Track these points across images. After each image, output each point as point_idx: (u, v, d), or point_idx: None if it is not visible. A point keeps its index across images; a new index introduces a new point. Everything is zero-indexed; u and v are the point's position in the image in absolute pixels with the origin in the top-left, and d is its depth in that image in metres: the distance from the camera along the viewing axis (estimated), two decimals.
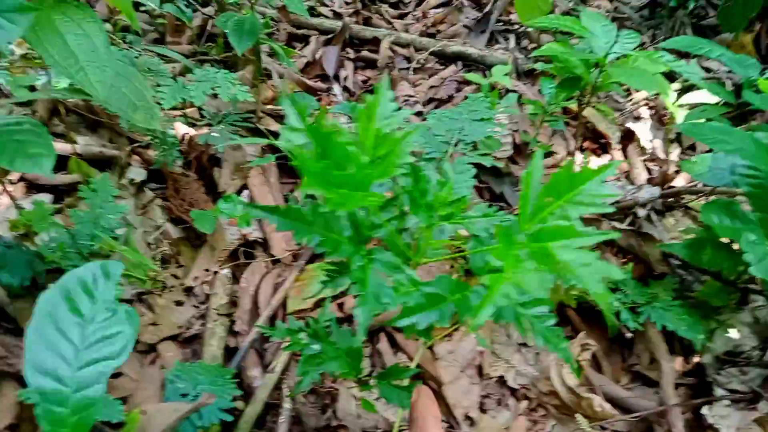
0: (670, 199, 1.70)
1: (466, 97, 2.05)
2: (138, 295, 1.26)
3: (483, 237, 0.81)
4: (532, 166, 0.66)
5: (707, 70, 2.26)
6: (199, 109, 1.77)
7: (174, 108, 1.47)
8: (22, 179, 1.52)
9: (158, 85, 1.35)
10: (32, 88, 1.72)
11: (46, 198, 1.44)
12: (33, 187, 1.52)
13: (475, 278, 0.76)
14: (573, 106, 1.90)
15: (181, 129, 1.66)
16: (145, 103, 1.21)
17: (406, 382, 0.94)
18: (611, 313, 1.18)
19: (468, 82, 2.14)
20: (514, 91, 1.92)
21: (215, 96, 1.42)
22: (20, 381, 1.09)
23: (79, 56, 1.04)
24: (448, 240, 0.81)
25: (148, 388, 1.11)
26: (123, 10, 1.15)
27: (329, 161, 0.63)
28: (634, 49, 1.31)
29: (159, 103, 1.31)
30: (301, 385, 0.91)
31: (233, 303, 1.27)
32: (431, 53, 2.26)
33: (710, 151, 2.05)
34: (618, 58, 1.32)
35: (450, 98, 2.07)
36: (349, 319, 1.28)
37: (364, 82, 2.14)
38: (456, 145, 1.25)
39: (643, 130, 2.02)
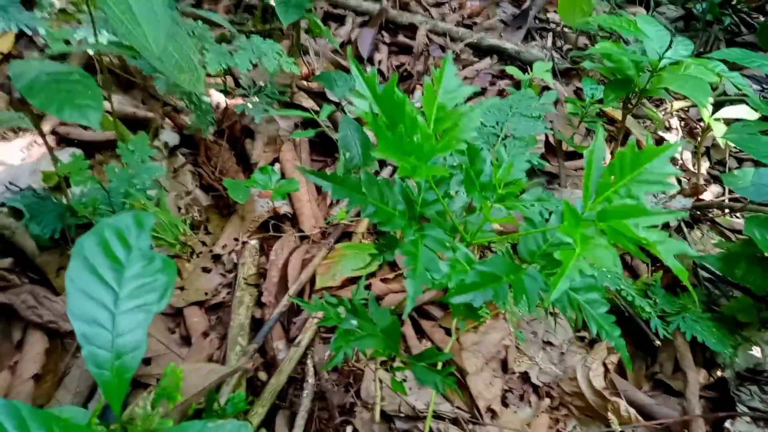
0: (698, 212, 1.69)
1: (501, 91, 2.03)
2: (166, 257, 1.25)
3: (537, 221, 0.79)
4: (594, 144, 0.65)
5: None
6: (235, 78, 1.75)
7: (209, 75, 1.46)
8: (53, 132, 1.51)
9: (204, 49, 1.33)
10: (67, 43, 1.71)
11: (75, 151, 1.43)
12: (63, 140, 1.51)
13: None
14: (609, 109, 1.88)
15: (215, 96, 1.64)
16: (191, 65, 1.19)
17: (439, 366, 0.93)
18: (691, 289, 1.17)
19: (502, 76, 2.12)
20: (548, 88, 1.90)
21: (254, 66, 1.40)
22: (48, 331, 1.08)
23: (136, 12, 1.03)
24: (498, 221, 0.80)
25: (174, 351, 1.10)
26: None
27: (399, 130, 0.62)
28: (688, 56, 1.29)
29: (204, 67, 1.29)
30: (334, 360, 0.90)
31: (261, 274, 1.26)
32: (467, 44, 2.24)
33: (740, 166, 2.03)
34: (671, 64, 1.30)
35: (484, 91, 2.05)
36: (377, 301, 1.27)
37: (398, 67, 2.12)
38: (505, 138, 1.24)
39: (673, 140, 2.00)
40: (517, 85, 1.98)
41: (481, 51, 2.24)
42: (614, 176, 0.60)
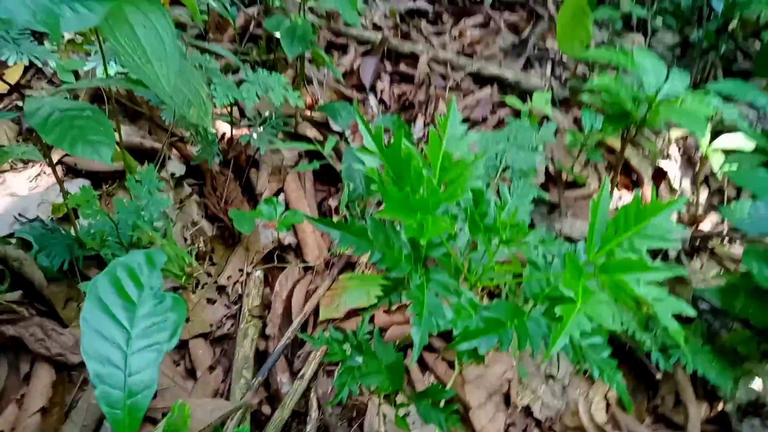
0: (697, 242, 1.71)
1: (501, 121, 2.07)
2: (172, 290, 1.27)
3: (540, 264, 0.81)
4: (600, 197, 0.67)
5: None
6: (240, 108, 1.78)
7: (215, 106, 1.48)
8: (60, 162, 1.53)
9: (211, 82, 1.36)
10: (76, 74, 1.74)
11: (84, 184, 1.45)
12: (71, 171, 1.53)
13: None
14: (608, 139, 1.91)
15: (221, 127, 1.67)
16: (200, 100, 1.22)
17: (441, 404, 0.94)
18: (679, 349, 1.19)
19: (502, 105, 2.16)
20: (548, 118, 1.93)
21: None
22: (55, 364, 1.09)
23: (147, 49, 1.05)
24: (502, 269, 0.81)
25: (179, 384, 1.11)
26: (188, 4, 1.16)
27: (406, 187, 0.64)
28: (685, 88, 1.32)
29: (211, 100, 1.32)
30: (338, 396, 0.91)
31: (266, 306, 1.27)
32: (468, 73, 2.28)
33: (739, 195, 2.05)
34: (667, 98, 1.33)
35: (484, 120, 2.08)
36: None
37: (400, 96, 2.15)
38: (504, 170, 1.26)
39: (672, 169, 2.03)
40: (518, 113, 2.02)
41: (481, 80, 2.28)
42: (617, 229, 0.62)
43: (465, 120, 2.05)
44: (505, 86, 2.26)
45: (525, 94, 2.17)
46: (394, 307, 1.33)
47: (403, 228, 0.63)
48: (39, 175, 1.47)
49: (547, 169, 1.79)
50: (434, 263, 0.80)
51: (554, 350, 0.57)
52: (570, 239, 1.55)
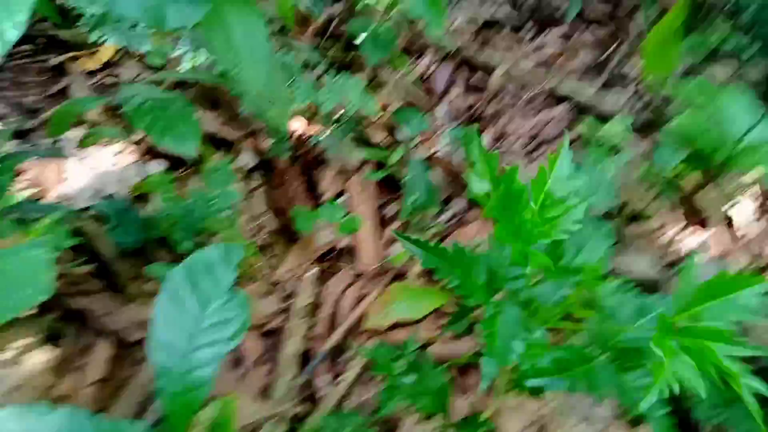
0: None
1: (573, 140, 2.01)
2: None
3: (609, 310, 0.80)
4: (689, 265, 0.66)
5: None
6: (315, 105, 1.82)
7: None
8: (141, 141, 1.62)
9: (293, 81, 1.40)
10: (166, 61, 1.83)
11: (162, 167, 1.53)
12: (150, 151, 1.61)
13: None
14: (685, 176, 1.82)
15: (294, 123, 1.71)
16: (281, 101, 1.26)
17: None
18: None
19: (576, 123, 2.10)
20: (619, 147, 1.87)
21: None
22: (114, 340, 1.17)
23: (240, 50, 1.09)
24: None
25: (226, 373, 1.16)
26: (281, 12, 1.19)
27: (516, 218, 0.66)
28: None
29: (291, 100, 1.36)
30: (380, 411, 0.93)
31: (316, 306, 1.31)
32: (543, 89, 2.23)
33: None
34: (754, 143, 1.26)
35: (555, 138, 2.04)
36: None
37: (470, 107, 2.14)
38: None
39: (744, 215, 1.92)
40: (592, 135, 1.96)
41: (556, 97, 2.23)
42: (705, 296, 0.62)
43: (535, 137, 2.02)
44: (580, 106, 2.20)
45: (602, 117, 2.10)
46: (439, 322, 1.34)
47: (508, 254, 0.65)
48: (121, 152, 1.56)
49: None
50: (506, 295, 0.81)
51: (645, 406, 0.58)
52: (629, 277, 1.51)
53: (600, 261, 0.86)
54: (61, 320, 1.19)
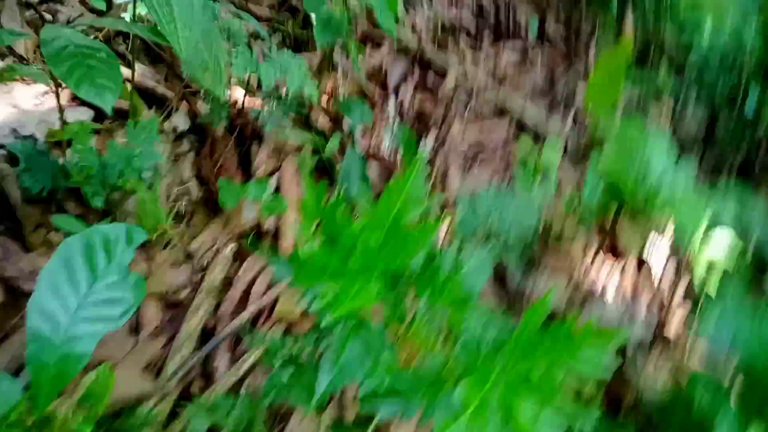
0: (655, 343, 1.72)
1: (508, 156, 2.07)
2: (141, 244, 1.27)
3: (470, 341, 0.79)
4: (540, 303, 0.64)
5: None
6: (259, 79, 1.77)
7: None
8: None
9: (234, 48, 1.35)
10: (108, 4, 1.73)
11: (87, 115, 1.45)
12: (78, 98, 1.52)
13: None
14: (609, 207, 1.91)
15: (235, 93, 1.66)
16: (217, 68, 1.21)
17: None
18: None
19: (515, 139, 2.16)
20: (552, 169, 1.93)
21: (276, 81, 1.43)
22: (6, 287, 1.10)
23: (174, 7, 1.04)
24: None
25: (121, 338, 1.12)
26: None
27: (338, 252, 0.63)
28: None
29: (229, 68, 1.32)
30: (264, 400, 0.92)
31: (227, 284, 1.29)
32: (491, 99, 2.27)
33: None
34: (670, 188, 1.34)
35: (494, 150, 2.08)
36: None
37: (419, 105, 2.15)
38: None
39: (659, 258, 2.03)
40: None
41: (502, 110, 2.28)
42: (545, 344, 0.59)
43: (475, 144, 2.05)
44: (523, 123, 2.25)
45: (541, 137, 2.17)
46: None
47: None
48: (46, 93, 1.47)
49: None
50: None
51: None
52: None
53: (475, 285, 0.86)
54: None
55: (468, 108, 2.21)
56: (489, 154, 2.06)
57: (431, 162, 1.89)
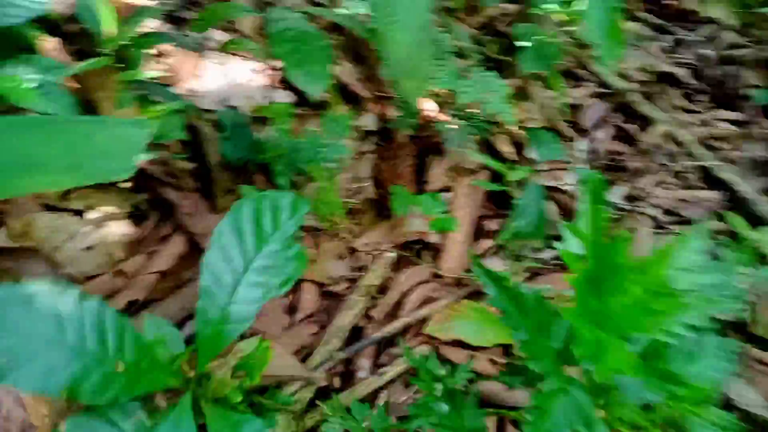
0: None
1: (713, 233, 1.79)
2: (311, 228, 1.28)
3: None
4: None
5: None
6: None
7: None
8: (280, 68, 1.62)
9: (440, 60, 1.33)
10: None
11: (290, 98, 1.52)
12: (283, 81, 1.61)
13: None
14: None
15: (426, 104, 1.65)
16: (420, 76, 1.19)
17: None
18: None
19: (720, 217, 1.87)
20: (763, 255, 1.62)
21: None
22: (189, 240, 1.16)
23: (397, 9, 1.03)
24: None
25: (276, 316, 1.12)
26: None
27: (605, 295, 0.52)
28: None
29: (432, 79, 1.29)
30: (406, 424, 0.84)
31: (383, 289, 1.24)
32: (699, 165, 2.00)
33: None
34: None
35: (695, 221, 1.82)
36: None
37: (613, 154, 1.96)
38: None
39: None
40: (733, 235, 1.73)
41: (710, 180, 1.99)
42: None
43: (672, 212, 1.81)
44: (734, 200, 1.94)
45: (755, 218, 1.85)
46: (502, 360, 1.22)
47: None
48: (258, 72, 1.57)
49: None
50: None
51: None
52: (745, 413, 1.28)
53: (714, 381, 0.70)
54: (148, 203, 1.21)
55: (670, 169, 1.96)
56: (688, 225, 1.80)
57: (618, 216, 1.70)
